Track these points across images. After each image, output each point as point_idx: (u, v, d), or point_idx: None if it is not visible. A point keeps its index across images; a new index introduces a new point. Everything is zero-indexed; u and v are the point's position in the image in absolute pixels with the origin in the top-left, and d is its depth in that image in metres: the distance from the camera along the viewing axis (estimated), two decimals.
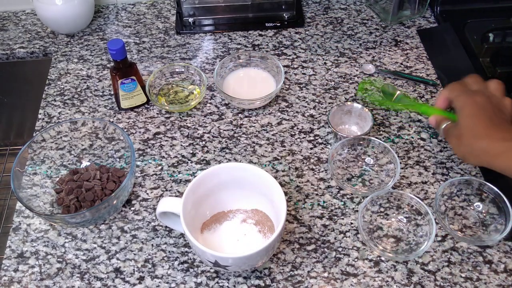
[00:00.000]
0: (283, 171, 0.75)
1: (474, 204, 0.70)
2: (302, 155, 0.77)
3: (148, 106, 0.85)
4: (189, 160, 0.77)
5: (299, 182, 0.73)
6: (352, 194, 0.72)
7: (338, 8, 1.02)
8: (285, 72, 0.88)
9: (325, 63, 0.91)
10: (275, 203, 0.63)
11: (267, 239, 0.58)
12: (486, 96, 0.66)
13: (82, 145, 0.75)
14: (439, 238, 0.67)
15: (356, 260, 0.65)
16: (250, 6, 0.97)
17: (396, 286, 0.62)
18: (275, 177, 0.70)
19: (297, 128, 0.81)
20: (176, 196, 0.72)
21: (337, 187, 0.73)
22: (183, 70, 0.87)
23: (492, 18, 0.96)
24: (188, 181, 0.74)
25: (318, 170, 0.75)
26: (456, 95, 0.69)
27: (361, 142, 0.75)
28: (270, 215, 0.66)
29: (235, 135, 0.80)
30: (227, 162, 0.76)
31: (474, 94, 0.67)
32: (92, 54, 0.94)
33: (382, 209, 0.69)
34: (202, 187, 0.63)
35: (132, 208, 0.71)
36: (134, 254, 0.66)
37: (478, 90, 0.68)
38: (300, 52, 0.93)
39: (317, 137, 0.79)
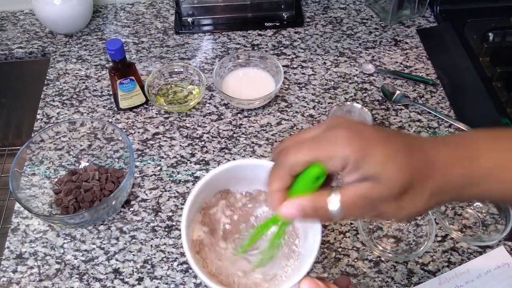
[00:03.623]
0: None
1: (474, 204, 0.69)
2: None
3: (147, 106, 0.84)
4: (188, 160, 0.77)
5: None
6: None
7: (338, 7, 1.02)
8: (285, 72, 0.88)
9: (324, 62, 0.91)
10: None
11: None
12: (349, 121, 0.42)
13: (81, 145, 0.75)
14: (439, 238, 0.67)
15: (356, 260, 0.65)
16: (249, 6, 0.97)
17: (396, 286, 0.62)
18: None
19: (297, 128, 0.80)
20: (176, 195, 0.72)
21: (337, 187, 0.72)
22: (182, 70, 0.87)
23: (492, 17, 0.96)
24: (187, 181, 0.74)
25: None
26: (314, 150, 0.40)
27: None
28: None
29: (235, 135, 0.80)
30: (226, 162, 0.75)
31: (339, 127, 0.40)
32: (90, 54, 0.94)
33: None
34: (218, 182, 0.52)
35: (131, 209, 0.71)
36: (133, 255, 0.66)
37: (335, 123, 0.41)
38: (299, 51, 0.93)
39: None
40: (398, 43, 0.94)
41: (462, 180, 0.40)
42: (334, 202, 0.40)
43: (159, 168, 0.76)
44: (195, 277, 0.64)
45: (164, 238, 0.68)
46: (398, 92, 0.84)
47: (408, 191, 0.39)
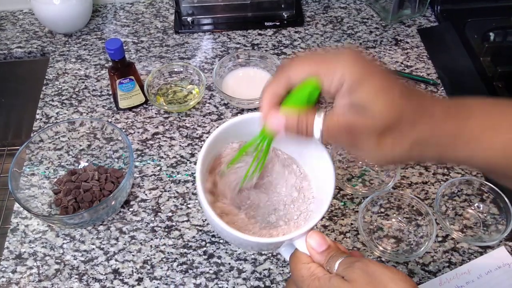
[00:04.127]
0: None
1: (475, 204, 0.69)
2: None
3: (147, 106, 0.84)
4: (188, 160, 0.76)
5: None
6: (352, 194, 0.71)
7: (338, 7, 1.02)
8: None
9: None
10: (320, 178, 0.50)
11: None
12: (361, 52, 0.41)
13: (80, 145, 0.75)
14: (440, 239, 0.66)
15: None
16: (249, 5, 0.97)
17: None
18: None
19: None
20: (175, 196, 0.72)
21: (337, 187, 0.72)
22: (181, 69, 0.87)
23: (492, 17, 0.95)
24: (187, 181, 0.74)
25: None
26: (315, 64, 0.40)
27: None
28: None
29: None
30: None
31: (349, 54, 0.40)
32: (90, 53, 0.94)
33: (382, 210, 0.69)
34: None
35: (131, 209, 0.71)
36: (133, 255, 0.66)
37: (341, 51, 0.40)
38: (299, 51, 0.92)
39: None
40: (399, 42, 0.94)
41: (449, 136, 0.40)
42: (318, 121, 0.40)
43: (158, 168, 0.75)
44: (195, 277, 0.64)
45: (163, 238, 0.68)
46: None
47: (391, 130, 0.38)
